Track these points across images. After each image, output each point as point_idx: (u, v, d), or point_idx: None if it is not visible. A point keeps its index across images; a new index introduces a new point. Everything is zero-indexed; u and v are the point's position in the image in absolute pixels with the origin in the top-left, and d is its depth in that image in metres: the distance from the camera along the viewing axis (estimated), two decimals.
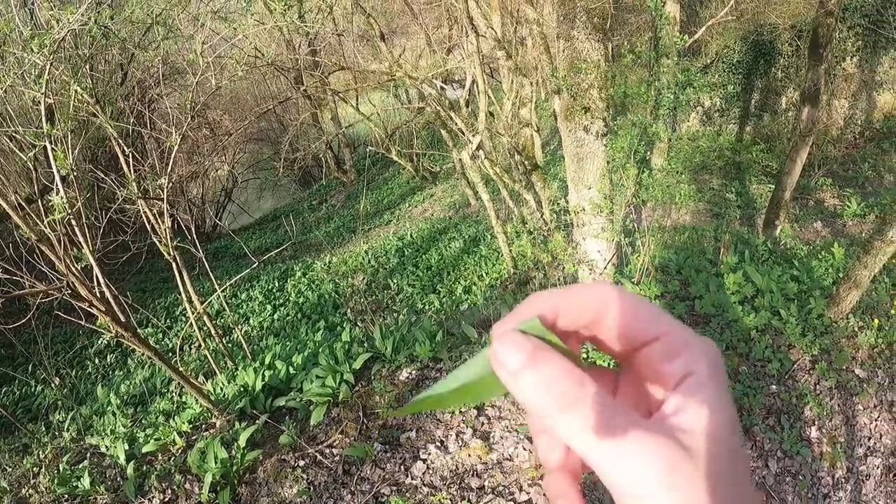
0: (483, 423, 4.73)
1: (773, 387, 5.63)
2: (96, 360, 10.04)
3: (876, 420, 5.88)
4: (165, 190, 5.96)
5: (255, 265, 6.59)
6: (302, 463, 4.61)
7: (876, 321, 6.95)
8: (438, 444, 4.62)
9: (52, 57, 4.48)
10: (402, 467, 4.48)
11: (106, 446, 5.22)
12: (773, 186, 9.77)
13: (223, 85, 7.73)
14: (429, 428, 4.76)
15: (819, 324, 6.73)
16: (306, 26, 11.78)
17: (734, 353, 5.79)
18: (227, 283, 7.66)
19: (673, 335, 0.44)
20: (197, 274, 11.56)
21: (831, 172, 12.45)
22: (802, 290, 7.26)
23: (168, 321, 11.54)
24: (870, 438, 5.67)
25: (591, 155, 6.05)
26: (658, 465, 0.38)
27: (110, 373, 9.57)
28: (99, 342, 10.60)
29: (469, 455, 4.53)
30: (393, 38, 18.01)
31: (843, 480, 5.12)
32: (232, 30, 8.26)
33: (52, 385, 8.49)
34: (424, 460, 4.52)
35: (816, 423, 5.49)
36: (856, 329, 6.83)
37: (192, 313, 6.67)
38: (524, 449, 4.53)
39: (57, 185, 4.36)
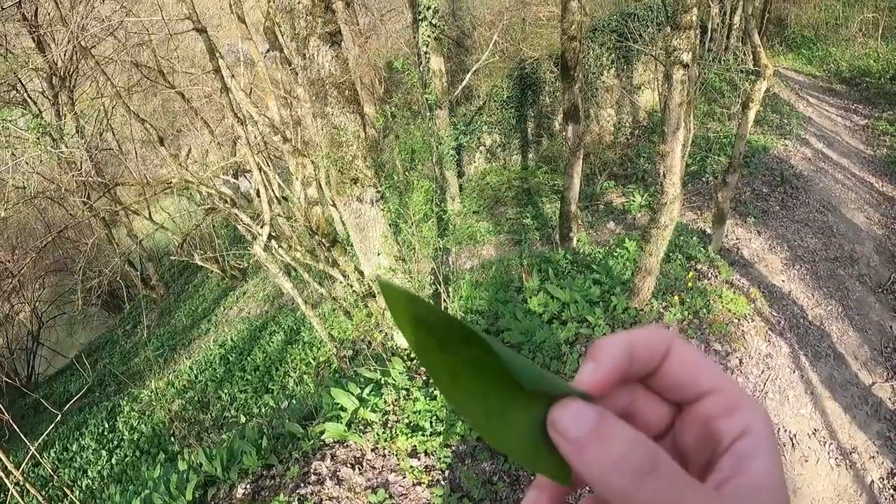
0: None
1: None
2: None
3: None
4: None
5: (57, 418, 6.04)
6: None
7: (676, 297, 7.63)
8: None
9: None
10: None
11: None
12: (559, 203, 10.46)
13: None
14: None
15: (626, 317, 7.23)
16: (81, 142, 11.21)
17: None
18: (37, 441, 6.94)
19: (728, 391, 0.43)
20: (9, 438, 10.40)
21: (613, 175, 13.60)
22: (605, 290, 7.78)
23: (1, 495, 10.30)
24: None
25: (371, 223, 6.19)
26: None
27: None
28: None
29: None
30: (179, 138, 17.59)
31: None
32: None
33: None
34: None
35: None
36: (661, 310, 7.43)
37: (13, 486, 6.02)
38: None
39: None
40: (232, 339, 13.24)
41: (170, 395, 11.07)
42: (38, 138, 7.44)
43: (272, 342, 12.03)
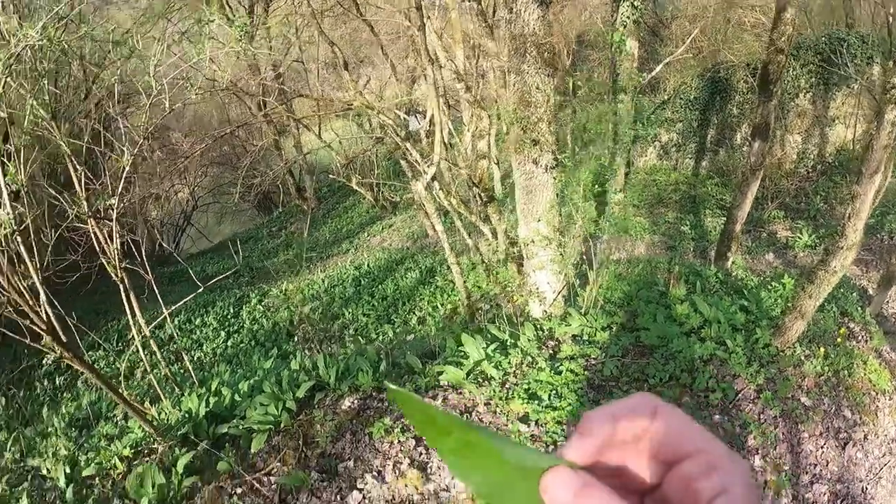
0: (421, 454, 4.72)
1: (717, 417, 5.69)
2: (45, 382, 9.79)
3: (822, 447, 5.96)
4: (115, 210, 5.89)
5: (199, 291, 6.52)
6: (239, 490, 4.56)
7: (822, 349, 7.09)
8: (375, 473, 4.59)
9: (8, 71, 4.40)
10: (338, 496, 4.45)
11: (47, 469, 5.15)
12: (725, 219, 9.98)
13: (176, 108, 7.68)
14: (367, 457, 4.73)
15: (765, 353, 6.81)
16: (269, 52, 11.83)
17: (677, 384, 5.86)
18: (172, 307, 7.54)
19: (709, 452, 0.46)
20: (147, 297, 11.38)
21: (784, 205, 12.77)
22: (750, 320, 7.36)
23: (120, 344, 11.27)
24: (815, 466, 5.73)
25: (540, 187, 6.14)
26: None
27: (58, 395, 9.32)
28: (48, 363, 10.27)
29: (405, 485, 4.50)
30: (360, 68, 18.10)
31: None
32: (194, 52, 8.26)
33: None
34: (361, 490, 4.48)
35: (760, 451, 5.54)
36: (802, 358, 6.93)
37: (138, 338, 6.55)
38: None
39: (3, 200, 4.26)
40: (368, 265, 13.64)
41: (297, 300, 11.65)
42: (241, 37, 7.84)
43: (406, 278, 12.30)
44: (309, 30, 15.49)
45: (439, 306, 10.47)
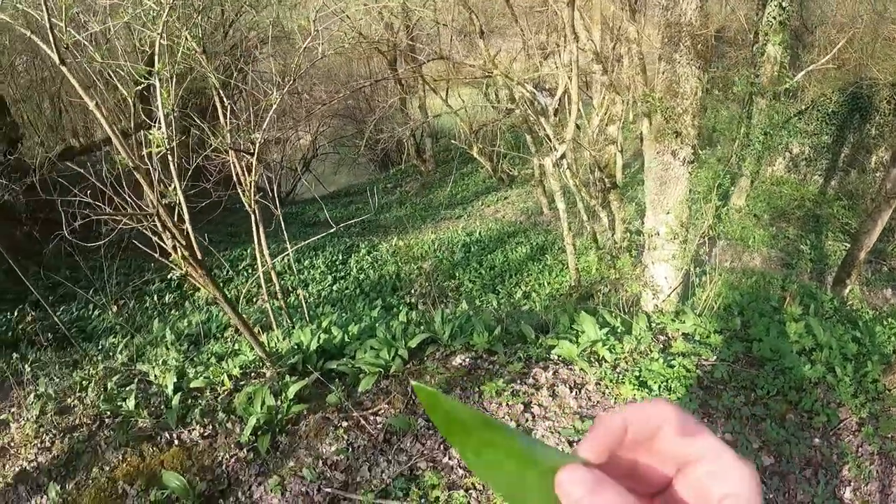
0: (527, 420, 4.83)
1: (817, 440, 5.58)
2: (155, 297, 10.29)
3: None
4: (257, 145, 6.22)
5: (332, 231, 6.79)
6: (345, 424, 4.70)
7: None
8: None
9: (171, 1, 4.67)
10: (441, 446, 4.56)
11: (155, 375, 5.36)
12: (849, 245, 9.56)
13: (328, 55, 7.92)
14: None
15: (872, 388, 6.59)
16: (412, 9, 12.07)
17: (784, 400, 5.77)
18: (299, 244, 7.91)
19: (720, 458, 0.48)
20: (269, 232, 11.85)
21: None
22: (862, 352, 7.11)
23: (230, 272, 11.84)
24: None
25: (674, 180, 6.10)
26: None
27: (167, 311, 9.80)
28: (161, 282, 10.76)
29: None
30: (490, 38, 18.09)
31: None
32: (341, 5, 8.51)
33: (110, 311, 8.66)
34: None
35: (852, 484, 5.38)
36: None
37: (262, 266, 6.90)
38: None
39: (160, 121, 4.46)
40: (480, 234, 13.81)
41: (406, 257, 11.93)
42: None
43: (516, 251, 12.42)
44: None
45: (546, 284, 10.51)
